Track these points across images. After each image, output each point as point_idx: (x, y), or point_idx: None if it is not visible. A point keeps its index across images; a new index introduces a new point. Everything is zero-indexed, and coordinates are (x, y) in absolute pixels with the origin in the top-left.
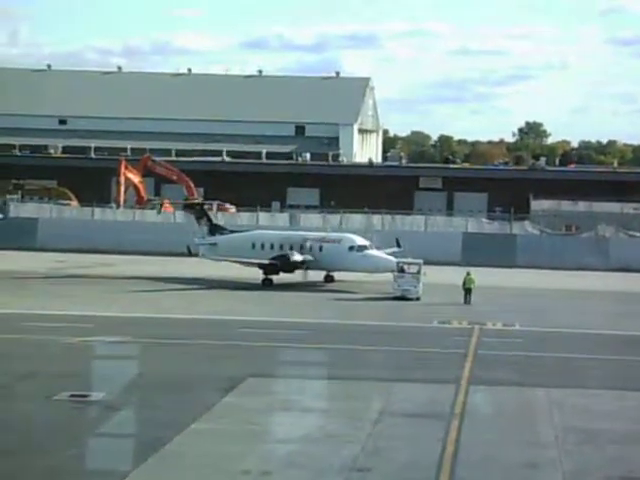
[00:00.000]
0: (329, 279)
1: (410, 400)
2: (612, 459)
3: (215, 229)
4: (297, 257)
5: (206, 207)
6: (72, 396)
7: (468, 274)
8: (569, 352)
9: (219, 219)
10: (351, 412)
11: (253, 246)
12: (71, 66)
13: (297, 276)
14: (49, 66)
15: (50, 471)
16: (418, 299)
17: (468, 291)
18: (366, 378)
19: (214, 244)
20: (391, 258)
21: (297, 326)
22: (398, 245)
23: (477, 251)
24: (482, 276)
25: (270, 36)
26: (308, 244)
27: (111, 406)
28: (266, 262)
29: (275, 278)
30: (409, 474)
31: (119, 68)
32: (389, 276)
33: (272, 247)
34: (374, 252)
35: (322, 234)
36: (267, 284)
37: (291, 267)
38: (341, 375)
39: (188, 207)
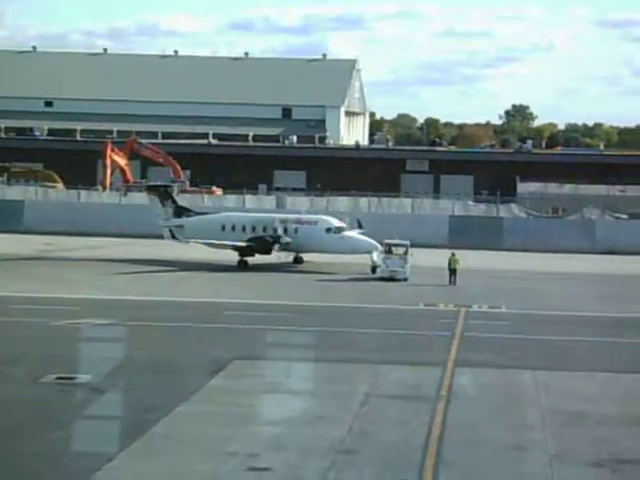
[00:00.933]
0: (298, 260)
1: (396, 382)
2: (598, 441)
3: (181, 211)
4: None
5: (170, 189)
6: (58, 378)
7: (453, 255)
8: (555, 334)
9: (205, 202)
10: (337, 394)
11: (223, 228)
12: (57, 48)
13: (272, 258)
14: (34, 48)
15: (37, 454)
16: (406, 280)
17: (453, 272)
18: (352, 360)
19: (180, 226)
20: (369, 240)
21: (283, 308)
22: (360, 226)
23: (464, 234)
24: (469, 259)
25: (256, 18)
26: (280, 226)
27: (97, 388)
28: (243, 244)
29: (249, 260)
30: (395, 456)
31: (105, 50)
32: (362, 257)
33: (244, 229)
34: (351, 234)
35: (296, 216)
36: (242, 266)
37: (268, 249)
38: (327, 357)
39: (151, 189)
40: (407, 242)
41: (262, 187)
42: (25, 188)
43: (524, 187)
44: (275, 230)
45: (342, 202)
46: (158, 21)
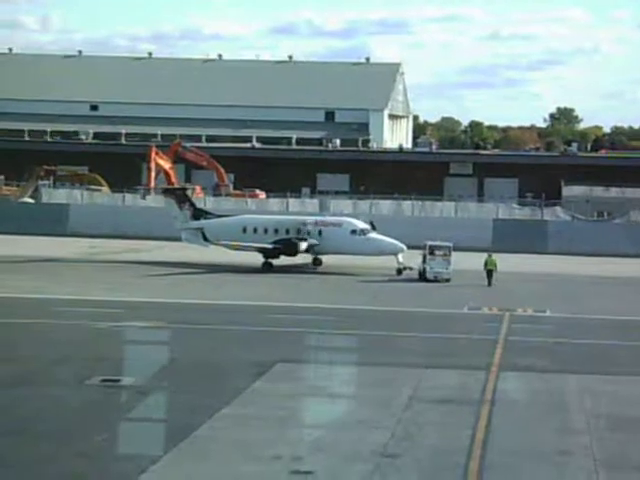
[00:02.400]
0: (317, 262)
1: (440, 386)
2: None
3: (199, 214)
4: (312, 241)
5: (188, 192)
6: (103, 381)
7: (489, 256)
8: (600, 339)
9: (249, 205)
10: (381, 398)
11: (244, 230)
12: (101, 52)
13: (296, 260)
14: (80, 52)
15: (82, 455)
16: (448, 280)
17: (490, 273)
18: (396, 364)
19: (199, 229)
20: (394, 241)
21: (324, 311)
22: (373, 228)
23: (508, 237)
24: (513, 262)
25: (299, 22)
26: (304, 228)
27: (142, 391)
28: (269, 246)
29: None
30: (439, 460)
31: (150, 54)
32: (379, 259)
33: (266, 231)
34: (377, 235)
35: (320, 218)
36: (267, 268)
37: (295, 251)
38: (371, 361)
39: (168, 192)
40: (449, 244)
41: (305, 190)
42: (71, 191)
43: (569, 190)
44: (299, 232)
45: (385, 205)
46: (201, 25)
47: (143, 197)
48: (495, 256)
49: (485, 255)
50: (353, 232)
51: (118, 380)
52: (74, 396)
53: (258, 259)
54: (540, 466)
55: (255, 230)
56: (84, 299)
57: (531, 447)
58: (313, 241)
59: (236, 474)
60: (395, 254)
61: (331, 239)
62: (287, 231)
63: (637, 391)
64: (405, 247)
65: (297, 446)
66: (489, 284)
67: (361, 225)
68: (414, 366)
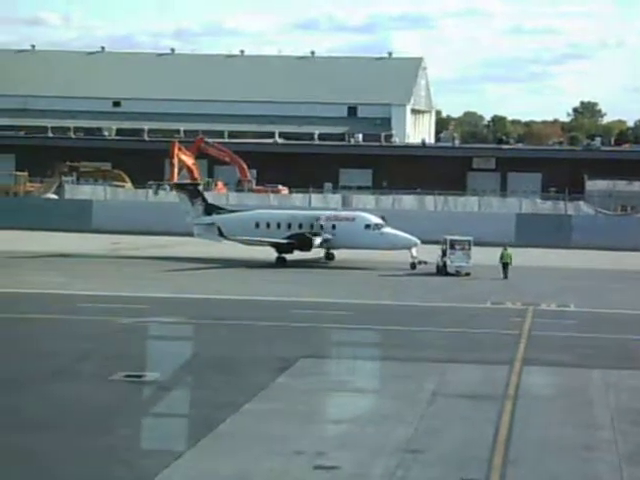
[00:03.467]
0: (330, 257)
1: (464, 381)
2: None
3: (211, 209)
4: (327, 235)
5: (200, 187)
6: (127, 376)
7: (505, 249)
8: (624, 333)
9: (272, 201)
10: (404, 393)
11: (257, 225)
12: (124, 49)
13: (308, 255)
14: (103, 48)
15: (106, 451)
16: (468, 274)
17: (505, 265)
18: (419, 359)
19: (211, 224)
20: (408, 235)
21: (347, 307)
22: (384, 222)
23: (531, 232)
24: (536, 256)
25: (320, 17)
26: (318, 223)
27: (165, 386)
28: (283, 241)
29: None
30: (462, 455)
31: (172, 50)
32: (391, 253)
33: (279, 226)
34: (391, 230)
35: (333, 213)
36: (280, 263)
37: (309, 245)
38: (394, 356)
39: (179, 188)
40: (469, 238)
41: (328, 186)
42: (94, 187)
43: (593, 185)
44: (312, 227)
45: (408, 200)
46: (223, 21)
47: (155, 193)
48: (510, 250)
49: (503, 250)
50: (367, 227)
51: (142, 376)
52: (98, 392)
53: (271, 254)
54: (564, 460)
55: (268, 225)
56: (108, 295)
57: (555, 442)
58: (327, 236)
59: (259, 469)
60: (409, 248)
61: (345, 234)
62: (300, 226)
63: None
64: (419, 241)
65: (320, 441)
66: (505, 277)
67: (374, 220)
68: (437, 361)
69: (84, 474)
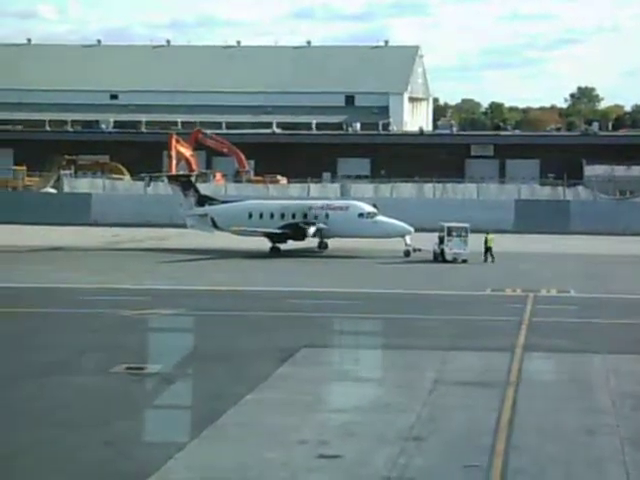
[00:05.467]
0: (323, 246)
1: (465, 368)
2: None
3: (204, 200)
4: (320, 225)
5: (192, 178)
6: (129, 368)
7: (488, 233)
8: (625, 318)
9: (270, 191)
10: (406, 381)
11: (250, 216)
12: (119, 41)
13: (301, 244)
14: (99, 41)
15: (108, 443)
16: (465, 261)
17: (488, 249)
18: (420, 347)
19: (204, 215)
20: (402, 224)
21: (346, 295)
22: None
23: (530, 218)
24: (536, 243)
25: (316, 6)
26: (311, 212)
27: (167, 378)
28: (277, 231)
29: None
30: (465, 442)
31: (168, 42)
32: (382, 241)
33: (272, 216)
34: (384, 218)
35: (326, 202)
36: (275, 253)
37: (303, 235)
38: (395, 344)
39: (172, 179)
40: (466, 225)
41: (326, 175)
42: (92, 180)
43: (591, 170)
44: (305, 216)
45: (406, 188)
46: (218, 11)
47: (148, 185)
48: (492, 235)
49: (492, 236)
50: (360, 215)
51: (143, 368)
52: (99, 384)
53: (265, 244)
54: (566, 446)
55: (261, 215)
56: (109, 287)
57: (557, 427)
58: (321, 225)
59: (262, 459)
60: (402, 236)
61: (338, 223)
62: (293, 216)
63: None
64: (412, 229)
65: (323, 430)
66: (485, 260)
67: (368, 208)
68: (439, 348)
69: (86, 466)
